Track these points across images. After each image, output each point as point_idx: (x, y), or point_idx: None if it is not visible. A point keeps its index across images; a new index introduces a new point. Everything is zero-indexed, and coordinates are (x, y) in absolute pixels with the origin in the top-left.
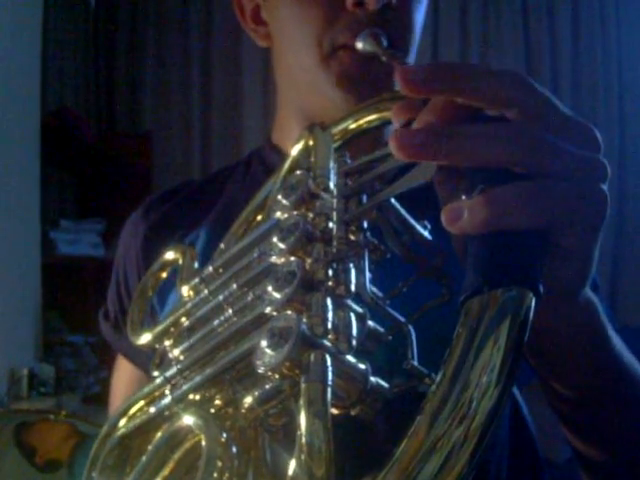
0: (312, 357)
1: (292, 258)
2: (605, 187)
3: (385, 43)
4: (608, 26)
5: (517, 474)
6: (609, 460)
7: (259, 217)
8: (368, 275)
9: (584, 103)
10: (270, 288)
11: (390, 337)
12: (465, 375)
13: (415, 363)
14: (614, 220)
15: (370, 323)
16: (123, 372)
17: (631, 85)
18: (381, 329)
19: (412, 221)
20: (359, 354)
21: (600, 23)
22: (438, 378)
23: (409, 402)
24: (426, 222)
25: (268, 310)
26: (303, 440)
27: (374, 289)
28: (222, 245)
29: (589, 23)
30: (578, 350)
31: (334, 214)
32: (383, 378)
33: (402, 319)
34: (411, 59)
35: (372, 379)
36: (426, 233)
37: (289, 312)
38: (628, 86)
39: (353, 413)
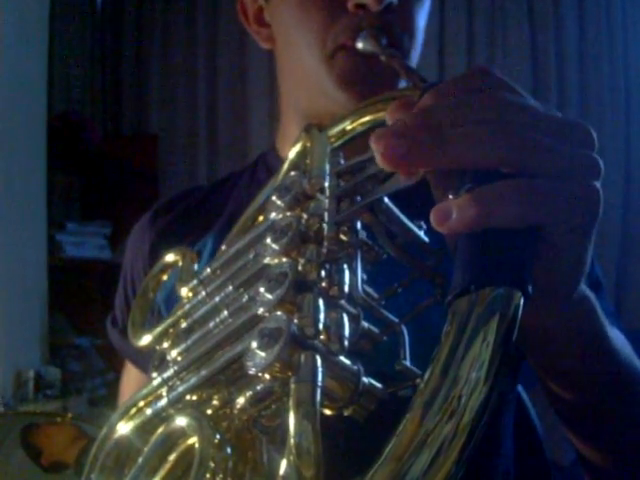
0: (302, 358)
1: (284, 259)
2: (598, 185)
3: (385, 43)
4: (614, 30)
5: (525, 477)
6: (612, 461)
7: (260, 218)
8: (362, 276)
9: (590, 107)
10: (263, 289)
11: (384, 338)
12: (454, 371)
13: (407, 363)
14: (619, 224)
15: (364, 324)
16: (130, 377)
17: (638, 88)
18: (375, 330)
19: (407, 221)
20: (352, 355)
21: (606, 27)
22: (427, 375)
23: (402, 403)
24: (422, 222)
25: (261, 311)
26: (292, 441)
27: (368, 289)
28: (223, 247)
29: (595, 27)
30: (575, 348)
31: (326, 215)
32: (376, 379)
33: (395, 319)
34: (413, 61)
35: (365, 380)
36: (421, 233)
37: (279, 313)
38: (635, 90)
39: (346, 414)
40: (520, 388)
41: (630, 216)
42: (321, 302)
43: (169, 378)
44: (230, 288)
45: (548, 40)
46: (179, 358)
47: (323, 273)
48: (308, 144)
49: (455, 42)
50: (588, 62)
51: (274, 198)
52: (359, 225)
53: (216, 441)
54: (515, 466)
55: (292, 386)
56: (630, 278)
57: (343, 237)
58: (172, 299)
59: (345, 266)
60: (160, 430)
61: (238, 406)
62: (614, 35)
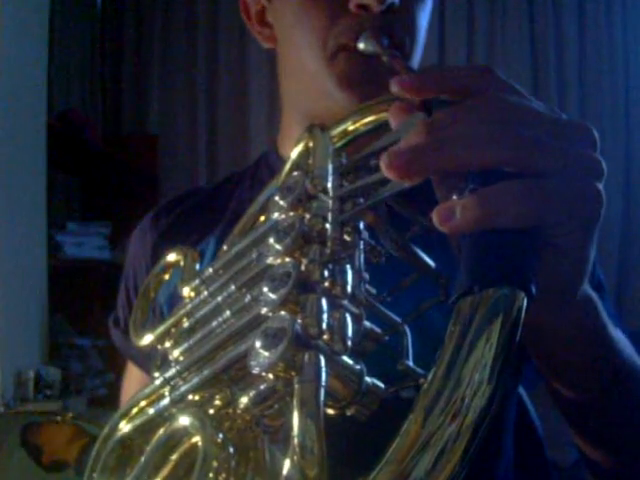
0: (306, 357)
1: (287, 259)
2: (601, 185)
3: (386, 43)
4: (615, 30)
5: (525, 477)
6: (614, 461)
7: (262, 218)
8: (364, 276)
9: (590, 107)
10: (266, 289)
11: (387, 338)
12: (457, 373)
13: (410, 363)
14: (620, 224)
15: (367, 324)
16: (132, 377)
17: (638, 88)
18: (378, 330)
19: (409, 221)
20: (355, 355)
21: (607, 27)
22: (430, 376)
23: (404, 403)
24: (424, 222)
25: (264, 311)
26: (296, 440)
27: (371, 289)
28: (225, 247)
29: (596, 27)
30: (578, 348)
31: (329, 215)
32: (379, 379)
33: (398, 319)
34: (415, 62)
35: (368, 379)
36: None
37: (283, 313)
38: (635, 89)
39: (348, 413)
40: (521, 388)
41: (630, 216)
42: (324, 302)
43: (171, 378)
44: (232, 288)
45: (548, 39)
46: (181, 358)
47: (326, 273)
48: (310, 144)
49: (455, 40)
50: (588, 62)
51: (276, 198)
52: (362, 225)
53: (219, 441)
54: (515, 466)
55: (296, 386)
56: (630, 278)
57: (346, 237)
58: (174, 299)
59: (348, 266)
60: (162, 430)
61: (241, 406)
62: (614, 35)
